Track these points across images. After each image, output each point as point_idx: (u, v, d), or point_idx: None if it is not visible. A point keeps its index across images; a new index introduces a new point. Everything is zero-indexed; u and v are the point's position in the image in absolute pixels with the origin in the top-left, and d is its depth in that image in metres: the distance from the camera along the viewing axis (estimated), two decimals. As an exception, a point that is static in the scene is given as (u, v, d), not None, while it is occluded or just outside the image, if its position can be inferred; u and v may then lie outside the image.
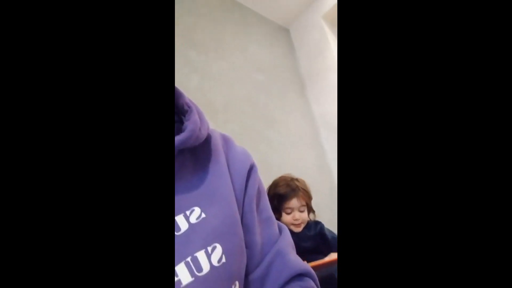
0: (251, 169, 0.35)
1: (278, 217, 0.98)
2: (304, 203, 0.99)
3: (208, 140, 0.33)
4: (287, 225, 0.95)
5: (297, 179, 1.04)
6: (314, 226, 1.03)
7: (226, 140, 0.36)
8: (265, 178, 1.19)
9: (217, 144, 0.34)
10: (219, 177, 0.30)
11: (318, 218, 1.16)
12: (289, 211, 0.97)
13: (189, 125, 0.29)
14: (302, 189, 1.00)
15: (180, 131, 0.29)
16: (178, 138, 0.27)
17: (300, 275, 0.32)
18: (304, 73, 2.12)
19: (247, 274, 0.30)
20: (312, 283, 0.32)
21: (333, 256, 0.85)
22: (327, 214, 1.60)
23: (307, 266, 0.33)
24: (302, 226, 0.98)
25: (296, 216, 0.96)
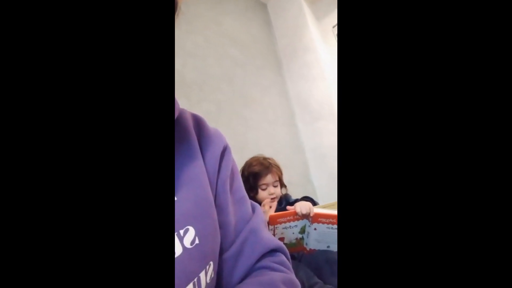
0: (225, 150, 0.35)
1: (255, 194, 1.05)
2: (277, 178, 1.07)
3: (178, 121, 0.32)
4: (264, 200, 1.02)
5: (268, 158, 1.12)
6: (285, 199, 1.11)
7: (197, 121, 0.35)
8: (241, 158, 1.21)
9: (188, 125, 0.33)
10: (190, 159, 0.30)
11: (291, 194, 1.22)
12: (264, 187, 1.04)
13: None
14: (275, 165, 1.09)
15: None
16: None
17: (272, 251, 0.34)
18: (280, 50, 2.09)
19: (221, 253, 0.30)
20: (284, 258, 0.34)
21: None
22: (299, 191, 1.66)
23: (279, 242, 0.35)
24: (276, 200, 1.06)
25: (271, 190, 1.04)
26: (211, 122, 0.37)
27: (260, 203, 1.03)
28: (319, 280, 0.77)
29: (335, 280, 0.78)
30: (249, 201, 0.37)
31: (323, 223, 0.84)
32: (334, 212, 0.84)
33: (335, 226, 0.83)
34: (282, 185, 1.11)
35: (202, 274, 0.25)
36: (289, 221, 0.87)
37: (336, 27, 1.90)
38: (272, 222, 0.86)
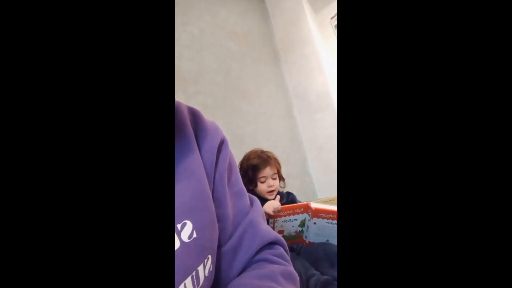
0: (222, 143, 0.34)
1: (254, 187, 1.06)
2: (275, 171, 1.07)
3: None
4: (263, 193, 1.04)
5: (266, 151, 1.12)
6: (286, 196, 1.11)
7: (194, 114, 0.34)
8: (239, 151, 1.20)
9: (184, 118, 0.32)
10: (186, 152, 0.30)
11: (288, 187, 1.22)
12: (263, 179, 1.05)
13: None
14: (273, 158, 1.10)
15: None
16: None
17: (271, 243, 0.34)
18: (278, 43, 2.07)
19: (219, 247, 0.30)
20: (282, 250, 0.34)
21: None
22: (297, 183, 1.67)
23: (277, 234, 0.35)
24: (275, 193, 1.06)
25: (270, 183, 1.05)
26: (208, 115, 0.36)
27: (259, 196, 1.04)
28: (316, 272, 0.78)
29: (333, 272, 0.79)
30: (247, 194, 0.36)
31: (323, 218, 0.84)
32: (334, 208, 0.84)
33: (335, 221, 0.83)
34: (281, 178, 1.12)
35: (200, 268, 0.25)
36: (289, 215, 0.87)
37: (334, 18, 1.87)
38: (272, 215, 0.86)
